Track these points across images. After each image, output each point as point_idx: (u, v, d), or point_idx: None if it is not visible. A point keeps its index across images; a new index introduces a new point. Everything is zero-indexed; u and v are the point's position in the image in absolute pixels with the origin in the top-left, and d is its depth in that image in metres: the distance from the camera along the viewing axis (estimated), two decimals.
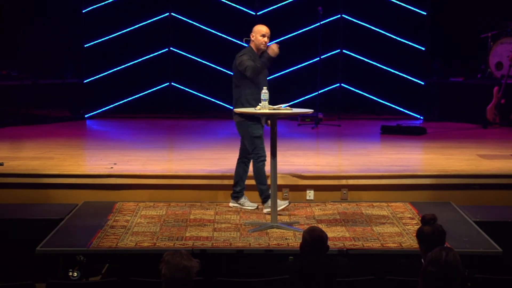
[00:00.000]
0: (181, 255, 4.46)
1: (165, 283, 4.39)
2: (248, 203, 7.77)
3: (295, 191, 8.16)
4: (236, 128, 7.60)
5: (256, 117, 7.42)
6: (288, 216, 7.50)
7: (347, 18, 13.11)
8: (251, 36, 7.53)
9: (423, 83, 13.05)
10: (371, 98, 13.10)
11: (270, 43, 7.51)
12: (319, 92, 12.22)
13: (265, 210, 7.58)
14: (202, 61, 13.18)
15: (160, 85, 13.28)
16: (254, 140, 7.48)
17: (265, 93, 7.00)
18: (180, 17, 13.18)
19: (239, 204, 7.77)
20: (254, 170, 7.60)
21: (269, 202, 7.32)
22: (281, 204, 7.59)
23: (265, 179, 7.54)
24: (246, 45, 7.58)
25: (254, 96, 7.37)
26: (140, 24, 13.10)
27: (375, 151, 9.92)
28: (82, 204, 7.83)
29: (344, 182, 8.17)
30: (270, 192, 7.27)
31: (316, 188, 8.18)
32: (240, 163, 7.77)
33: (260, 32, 7.50)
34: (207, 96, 13.21)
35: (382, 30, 13.05)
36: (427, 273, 4.01)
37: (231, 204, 7.81)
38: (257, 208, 7.71)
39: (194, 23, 13.16)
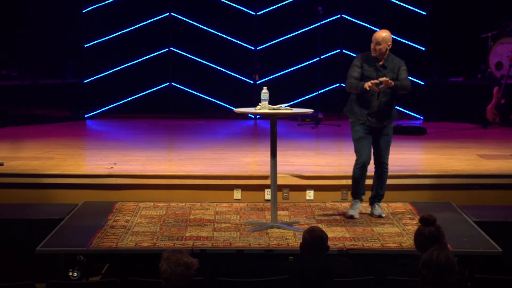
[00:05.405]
0: (180, 252, 4.46)
1: (165, 280, 4.37)
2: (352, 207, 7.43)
3: (295, 191, 8.15)
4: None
5: (357, 118, 7.26)
6: (288, 216, 7.50)
7: (347, 18, 13.10)
8: None
9: (423, 83, 13.02)
10: None
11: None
12: (319, 92, 12.21)
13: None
14: (202, 61, 13.16)
15: (160, 85, 13.26)
16: (354, 143, 7.30)
17: (265, 93, 6.98)
18: (180, 17, 13.17)
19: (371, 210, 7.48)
20: None
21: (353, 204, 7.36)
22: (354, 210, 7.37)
23: (355, 185, 7.34)
24: None
25: (360, 100, 7.26)
26: (140, 24, 13.08)
27: None
28: (82, 204, 7.83)
29: (344, 182, 8.16)
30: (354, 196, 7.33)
31: (316, 188, 8.17)
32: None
33: (372, 38, 7.31)
34: (207, 96, 13.20)
35: None
36: (421, 275, 4.01)
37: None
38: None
39: (194, 23, 13.15)
